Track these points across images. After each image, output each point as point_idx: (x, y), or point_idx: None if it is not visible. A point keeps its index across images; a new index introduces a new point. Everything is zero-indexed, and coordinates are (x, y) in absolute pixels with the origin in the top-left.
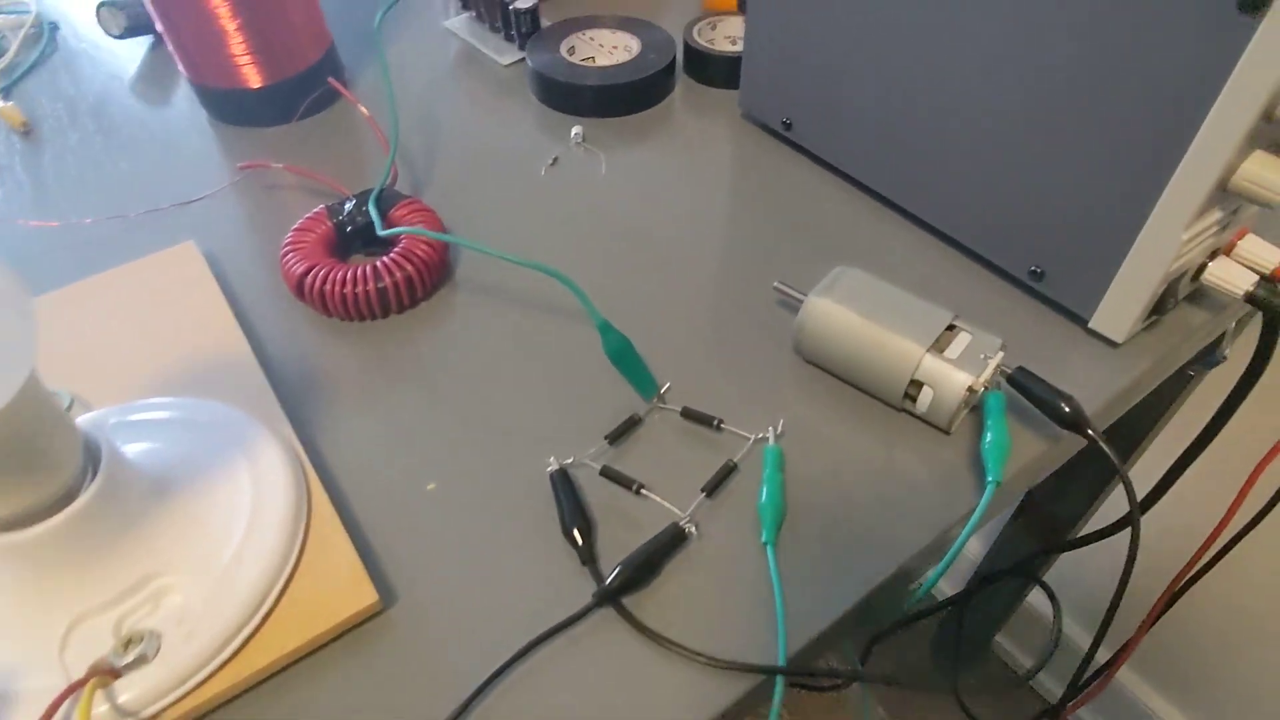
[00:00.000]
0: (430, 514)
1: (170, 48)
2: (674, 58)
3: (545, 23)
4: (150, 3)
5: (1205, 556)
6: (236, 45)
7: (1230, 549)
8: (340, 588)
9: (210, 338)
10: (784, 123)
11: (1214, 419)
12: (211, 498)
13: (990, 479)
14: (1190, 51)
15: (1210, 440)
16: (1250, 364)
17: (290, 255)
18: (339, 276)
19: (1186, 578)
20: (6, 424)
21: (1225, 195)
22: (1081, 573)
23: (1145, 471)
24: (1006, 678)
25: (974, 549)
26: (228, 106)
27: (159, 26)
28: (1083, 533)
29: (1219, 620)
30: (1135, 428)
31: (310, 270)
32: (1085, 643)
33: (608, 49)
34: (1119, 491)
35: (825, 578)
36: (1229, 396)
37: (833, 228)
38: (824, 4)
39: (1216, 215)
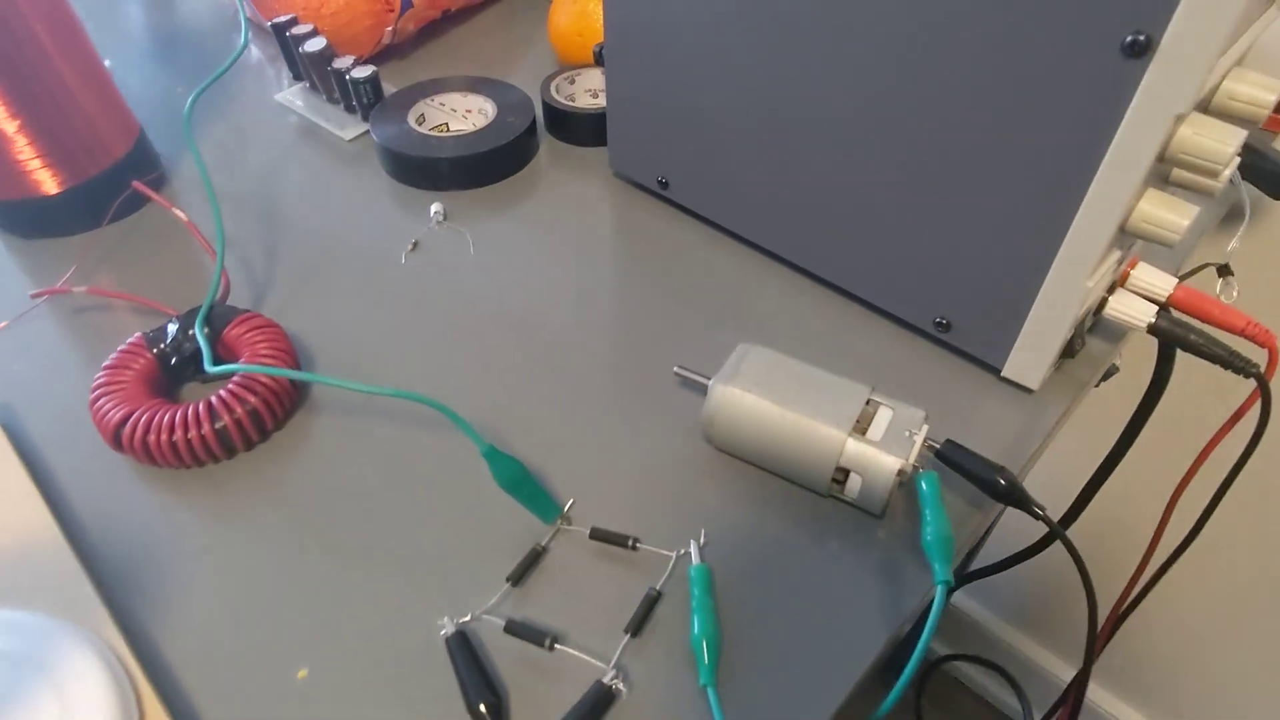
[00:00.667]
0: (303, 710)
1: None
2: (534, 118)
3: (389, 89)
4: None
5: (1141, 581)
6: (21, 149)
7: (1165, 572)
8: None
9: (5, 518)
10: (660, 181)
11: (1120, 441)
12: None
13: (939, 580)
14: (1080, 98)
15: (1117, 463)
16: (1149, 389)
17: (103, 400)
18: (165, 421)
19: (1127, 601)
20: None
21: (1123, 236)
22: (1022, 584)
23: (1045, 473)
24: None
25: None
26: (20, 218)
27: None
28: (997, 543)
29: (1169, 622)
30: None
31: (129, 417)
32: (1022, 645)
33: (461, 114)
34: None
35: (778, 713)
36: (1132, 420)
37: (727, 291)
38: (687, 52)
39: (1116, 255)
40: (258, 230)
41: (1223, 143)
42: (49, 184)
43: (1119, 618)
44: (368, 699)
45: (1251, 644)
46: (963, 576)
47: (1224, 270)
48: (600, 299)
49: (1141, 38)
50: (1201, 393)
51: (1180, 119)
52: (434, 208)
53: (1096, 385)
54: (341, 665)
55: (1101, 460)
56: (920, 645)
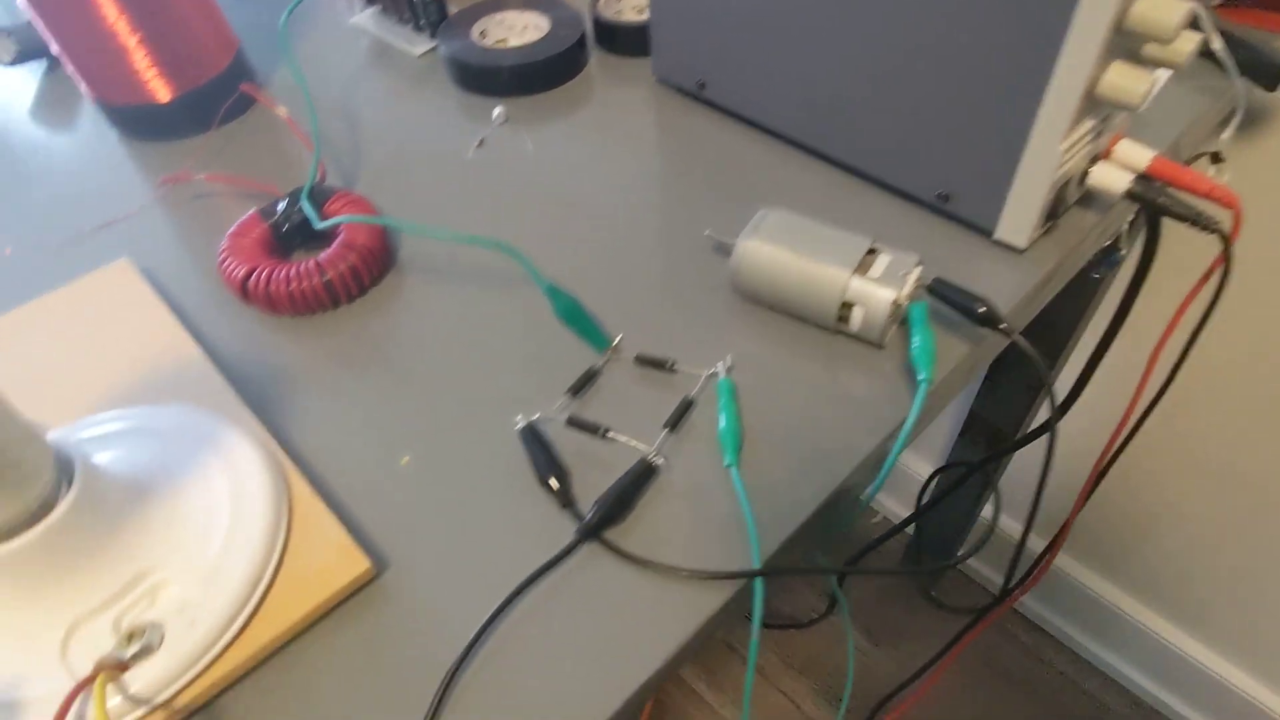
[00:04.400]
0: (408, 485)
1: (71, 69)
2: (584, 32)
3: (452, 9)
4: (44, 26)
5: (1121, 435)
6: (140, 60)
7: (1141, 424)
8: (331, 560)
9: (160, 349)
10: (698, 83)
11: (1120, 307)
12: (189, 494)
13: (921, 378)
14: None
15: (1120, 326)
16: (1142, 254)
17: (229, 260)
18: (283, 275)
19: (1109, 455)
20: None
21: (1094, 104)
22: (1024, 477)
23: (1072, 375)
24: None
25: (926, 471)
26: (138, 123)
27: (55, 49)
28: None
29: (1140, 496)
30: (1056, 332)
31: (253, 272)
32: (1031, 542)
33: (518, 29)
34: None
35: (787, 489)
36: (1130, 284)
37: (753, 177)
38: None
39: (1089, 124)
40: (342, 134)
41: (1169, 13)
42: (163, 92)
43: (1101, 472)
44: (458, 477)
45: (1210, 519)
46: (987, 458)
47: (1216, 157)
48: (643, 184)
49: None
50: (1186, 264)
51: None
52: (496, 110)
53: (1100, 275)
54: (435, 454)
55: (1101, 335)
56: (908, 422)
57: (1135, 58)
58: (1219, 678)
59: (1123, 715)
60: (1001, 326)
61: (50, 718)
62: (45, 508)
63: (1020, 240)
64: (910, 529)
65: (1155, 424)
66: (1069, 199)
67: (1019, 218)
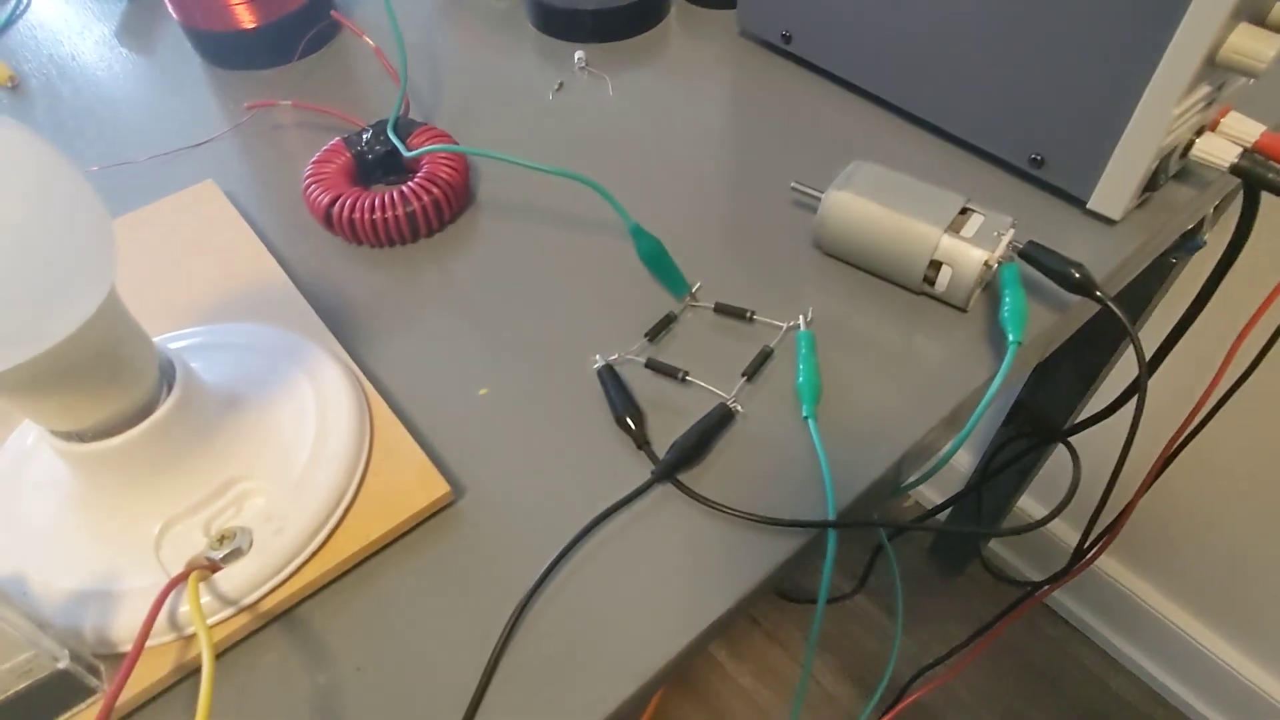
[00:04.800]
0: (485, 416)
1: None
2: None
3: None
4: None
5: (1195, 419)
6: None
7: (1221, 406)
8: (411, 482)
9: (244, 269)
10: (783, 35)
11: (1202, 289)
12: (277, 408)
13: (1012, 339)
14: None
15: (1202, 308)
16: (1234, 234)
17: (313, 186)
18: (366, 203)
19: (1180, 439)
20: (95, 331)
21: (1213, 69)
22: (1066, 474)
23: (1132, 364)
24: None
25: (964, 460)
26: (222, 50)
27: None
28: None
29: (1189, 494)
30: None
31: (337, 199)
32: (1066, 536)
33: None
34: (1101, 392)
35: (862, 445)
36: (1216, 267)
37: (838, 134)
38: None
39: (1204, 90)
40: (423, 72)
41: None
42: (247, 20)
43: (1168, 459)
44: (535, 411)
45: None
46: (1068, 429)
47: None
48: (725, 134)
49: None
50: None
51: None
52: (577, 54)
53: (1177, 261)
54: (513, 388)
55: (1180, 317)
56: (994, 383)
57: (1261, 20)
58: (1252, 684)
59: (1147, 714)
60: (1097, 293)
61: (145, 610)
62: (148, 408)
63: (1115, 211)
64: (941, 516)
65: (1223, 418)
66: (1169, 171)
67: (1116, 187)
